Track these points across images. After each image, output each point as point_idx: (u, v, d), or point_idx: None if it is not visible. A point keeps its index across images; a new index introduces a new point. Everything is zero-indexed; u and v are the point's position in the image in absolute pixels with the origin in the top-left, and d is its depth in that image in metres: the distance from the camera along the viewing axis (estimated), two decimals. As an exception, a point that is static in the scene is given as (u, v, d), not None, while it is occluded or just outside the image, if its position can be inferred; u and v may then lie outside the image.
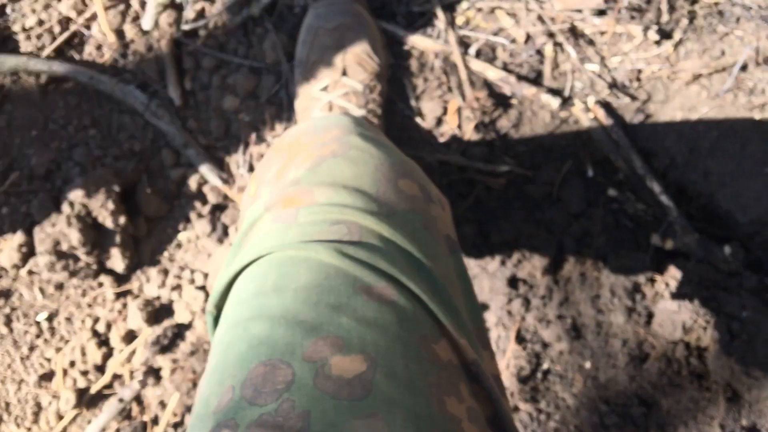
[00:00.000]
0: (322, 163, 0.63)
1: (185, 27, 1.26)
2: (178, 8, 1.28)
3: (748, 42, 1.13)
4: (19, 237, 1.23)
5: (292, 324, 0.50)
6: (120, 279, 1.30)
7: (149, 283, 1.30)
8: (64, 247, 1.21)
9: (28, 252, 1.24)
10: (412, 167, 0.69)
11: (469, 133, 1.24)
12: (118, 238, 1.24)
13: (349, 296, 0.52)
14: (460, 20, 1.23)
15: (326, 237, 0.56)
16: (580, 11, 1.16)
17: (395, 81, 1.26)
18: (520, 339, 1.26)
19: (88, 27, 1.28)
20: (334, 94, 1.14)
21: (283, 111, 1.26)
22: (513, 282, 1.28)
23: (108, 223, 1.21)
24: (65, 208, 1.20)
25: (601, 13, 1.16)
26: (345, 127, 0.68)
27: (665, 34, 1.16)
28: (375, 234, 0.58)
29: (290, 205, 0.60)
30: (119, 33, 1.28)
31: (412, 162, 0.72)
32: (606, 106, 1.21)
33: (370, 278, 0.54)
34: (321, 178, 0.61)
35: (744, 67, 1.15)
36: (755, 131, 1.17)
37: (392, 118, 1.26)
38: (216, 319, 0.63)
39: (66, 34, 1.28)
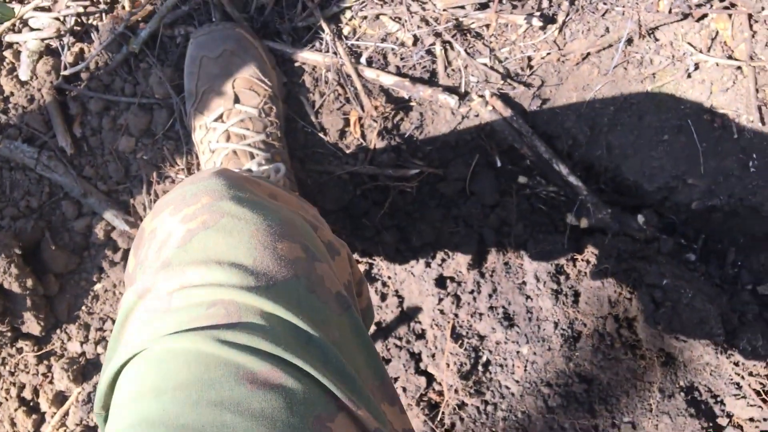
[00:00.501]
0: (193, 238, 0.59)
1: (65, 72, 1.21)
2: (55, 54, 1.23)
3: (629, 16, 1.14)
4: None
5: (173, 430, 0.47)
6: (39, 341, 1.25)
7: (71, 341, 1.25)
8: (-28, 320, 1.16)
9: (-66, 331, 1.18)
10: (293, 225, 0.65)
11: (375, 141, 1.23)
12: (28, 302, 1.19)
13: (232, 388, 0.49)
14: (346, 30, 1.21)
15: (203, 323, 0.53)
16: (462, 7, 1.16)
17: (292, 99, 1.23)
18: (456, 336, 1.26)
19: (-39, 86, 1.22)
20: (229, 122, 1.11)
21: (182, 144, 1.23)
22: (441, 281, 1.28)
23: (15, 288, 1.16)
24: (-34, 280, 1.14)
25: (482, 6, 1.16)
26: (216, 191, 0.63)
27: (549, 19, 1.16)
28: (255, 310, 0.55)
29: (163, 290, 0.57)
30: (-4, 88, 1.22)
31: (295, 217, 0.68)
32: (503, 96, 1.21)
33: (253, 364, 0.51)
34: (193, 255, 0.58)
35: (629, 41, 1.16)
36: (650, 101, 1.19)
37: (295, 137, 1.24)
38: (107, 420, 0.59)
39: (-62, 97, 1.21)
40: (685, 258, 1.30)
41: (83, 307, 1.26)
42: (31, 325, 1.20)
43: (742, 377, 1.19)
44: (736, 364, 1.19)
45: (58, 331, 1.25)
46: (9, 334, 1.21)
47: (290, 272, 0.58)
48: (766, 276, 1.29)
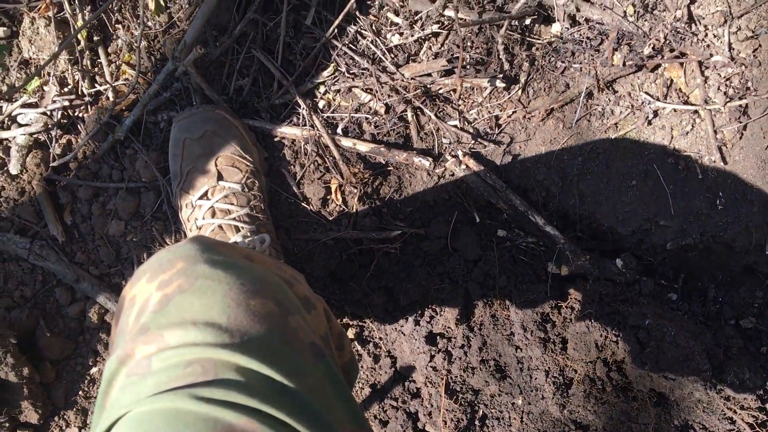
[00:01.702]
0: (169, 302, 0.63)
1: (54, 163, 1.25)
2: (43, 147, 1.28)
3: (587, 71, 1.20)
4: None
5: None
6: (38, 430, 1.25)
7: (69, 427, 1.26)
8: (-30, 413, 1.17)
9: (-68, 427, 1.19)
10: (265, 282, 0.69)
11: (356, 206, 1.27)
12: (25, 390, 1.20)
13: None
14: (321, 104, 1.27)
15: (180, 382, 0.56)
16: (429, 75, 1.22)
17: (274, 172, 1.28)
18: (451, 392, 1.28)
19: (-46, 184, 1.26)
20: (214, 199, 1.15)
21: (170, 224, 1.27)
22: (431, 338, 1.30)
23: (11, 377, 1.17)
24: (-37, 373, 1.16)
25: (448, 73, 1.22)
26: (191, 256, 0.67)
27: (511, 80, 1.23)
28: (231, 366, 0.58)
29: (142, 354, 0.60)
30: (-12, 183, 1.26)
31: (269, 274, 0.72)
32: (475, 155, 1.26)
33: (230, 417, 0.54)
34: (170, 318, 0.61)
35: (590, 95, 1.23)
36: (615, 150, 1.24)
37: (279, 208, 1.28)
38: None
39: (-68, 196, 1.25)
40: (667, 298, 1.33)
41: (80, 392, 1.27)
42: (29, 413, 1.21)
43: (735, 411, 1.20)
44: (727, 399, 1.21)
45: (56, 418, 1.26)
46: (7, 424, 1.21)
47: (264, 326, 0.62)
48: (747, 310, 1.32)
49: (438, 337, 1.30)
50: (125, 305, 0.68)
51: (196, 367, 0.57)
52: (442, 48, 1.24)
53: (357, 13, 1.25)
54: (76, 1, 1.25)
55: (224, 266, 0.66)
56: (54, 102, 1.27)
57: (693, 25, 1.15)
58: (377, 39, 1.25)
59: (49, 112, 1.27)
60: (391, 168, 1.28)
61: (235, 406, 0.55)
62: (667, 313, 1.25)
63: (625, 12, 1.17)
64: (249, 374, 0.58)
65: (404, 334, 1.31)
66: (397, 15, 1.24)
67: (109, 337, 0.74)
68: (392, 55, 1.25)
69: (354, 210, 1.27)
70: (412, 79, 1.22)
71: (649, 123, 1.22)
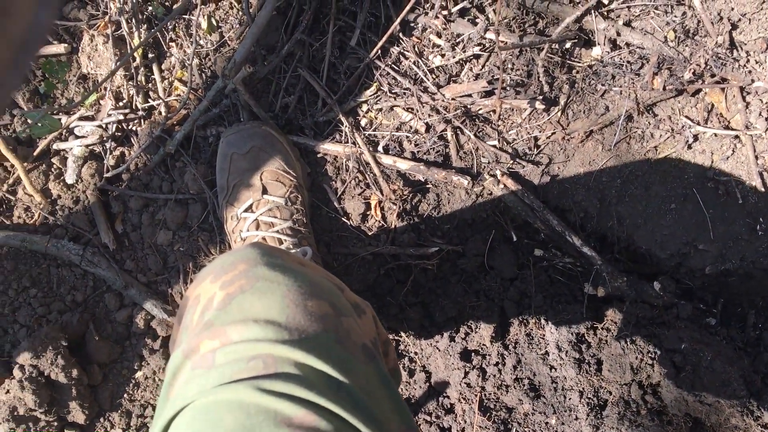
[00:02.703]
0: (232, 301, 0.66)
1: (108, 174, 1.31)
2: (98, 158, 1.34)
3: (627, 94, 1.22)
4: (-26, 410, 1.24)
5: None
6: (84, 430, 1.30)
7: (114, 429, 1.30)
8: (22, 411, 1.22)
9: (-14, 423, 1.25)
10: (320, 286, 0.72)
11: (395, 223, 1.30)
12: (74, 391, 1.25)
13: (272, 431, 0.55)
14: (363, 122, 1.31)
15: (244, 375, 0.59)
16: (469, 96, 1.25)
17: (316, 188, 1.32)
18: (484, 409, 1.29)
19: (13, 192, 1.33)
20: (258, 212, 1.19)
21: (215, 235, 1.31)
22: (466, 355, 1.31)
23: (61, 378, 1.23)
24: (16, 372, 1.21)
25: (488, 94, 1.25)
26: (251, 259, 0.71)
27: (551, 102, 1.25)
28: (290, 361, 0.61)
29: (207, 348, 0.63)
30: (45, 192, 1.33)
31: (322, 279, 0.75)
32: (513, 175, 1.28)
33: (290, 409, 0.57)
34: (232, 316, 0.65)
35: (629, 118, 1.24)
36: (654, 173, 1.25)
37: (320, 222, 1.32)
38: None
39: (-6, 203, 1.32)
40: (705, 322, 1.32)
41: (125, 395, 1.31)
42: (77, 414, 1.26)
43: (773, 439, 1.19)
44: (765, 426, 1.19)
45: (101, 419, 1.31)
46: (55, 424, 1.26)
47: (320, 326, 0.65)
48: (788, 336, 1.30)
49: (473, 354, 1.31)
50: (189, 303, 0.73)
51: (258, 361, 0.61)
52: (483, 70, 1.26)
53: (400, 34, 1.29)
54: (133, 20, 1.31)
55: (282, 269, 0.70)
56: (109, 116, 1.33)
57: (734, 50, 1.16)
58: (419, 60, 1.28)
59: (104, 125, 1.33)
60: (430, 186, 1.30)
61: (295, 398, 0.58)
62: (705, 337, 1.25)
63: (665, 37, 1.18)
64: (307, 369, 0.61)
65: (439, 350, 1.33)
66: (440, 37, 1.27)
67: (171, 334, 0.78)
68: (434, 76, 1.28)
69: (393, 226, 1.30)
70: (452, 99, 1.25)
71: (689, 147, 1.22)
